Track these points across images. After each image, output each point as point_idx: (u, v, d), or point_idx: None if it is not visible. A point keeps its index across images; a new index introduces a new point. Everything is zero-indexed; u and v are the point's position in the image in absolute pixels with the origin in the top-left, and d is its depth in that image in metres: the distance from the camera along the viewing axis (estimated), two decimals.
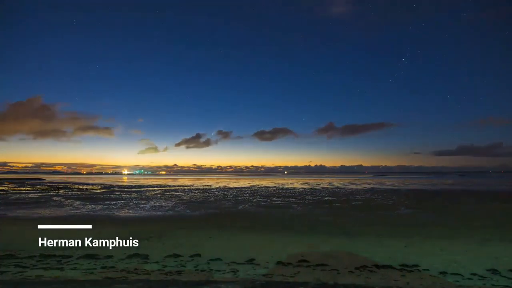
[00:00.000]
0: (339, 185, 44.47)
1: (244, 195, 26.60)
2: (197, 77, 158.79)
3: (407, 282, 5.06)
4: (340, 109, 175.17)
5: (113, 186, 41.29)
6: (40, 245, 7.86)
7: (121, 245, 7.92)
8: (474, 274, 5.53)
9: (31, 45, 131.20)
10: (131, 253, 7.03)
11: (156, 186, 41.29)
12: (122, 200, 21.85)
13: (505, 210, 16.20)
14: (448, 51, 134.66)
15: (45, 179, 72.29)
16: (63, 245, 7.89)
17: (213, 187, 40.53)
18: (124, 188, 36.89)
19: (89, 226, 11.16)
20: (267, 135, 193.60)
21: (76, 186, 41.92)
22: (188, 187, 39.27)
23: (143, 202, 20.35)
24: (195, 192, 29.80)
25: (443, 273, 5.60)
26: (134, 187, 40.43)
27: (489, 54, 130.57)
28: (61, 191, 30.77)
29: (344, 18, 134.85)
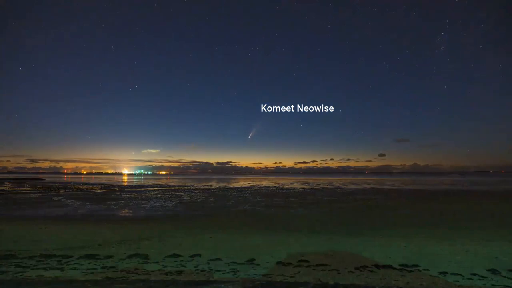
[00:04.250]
0: (340, 185, 44.47)
1: (244, 195, 26.59)
2: None
3: (407, 282, 5.06)
4: None
5: (113, 186, 41.31)
6: (40, 245, 7.88)
7: (121, 245, 7.95)
8: (474, 274, 5.53)
9: None
10: (131, 253, 7.03)
11: (156, 186, 41.31)
12: (122, 200, 21.87)
13: (505, 210, 16.18)
14: None
15: (45, 179, 72.36)
16: (63, 245, 7.91)
17: (213, 187, 40.54)
18: (124, 188, 36.90)
19: (89, 226, 11.19)
20: None
21: (76, 186, 41.95)
22: (188, 187, 39.28)
23: (143, 202, 20.36)
24: (195, 192, 29.80)
25: (443, 273, 5.60)
26: (134, 187, 40.45)
27: None
28: (61, 191, 30.79)
29: None
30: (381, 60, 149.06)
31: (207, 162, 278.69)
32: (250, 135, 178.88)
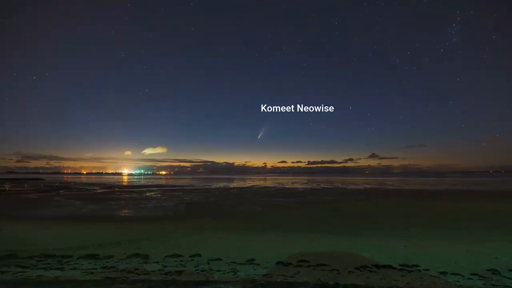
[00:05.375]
0: (340, 186, 44.46)
1: (245, 195, 26.60)
2: None
3: (407, 282, 5.06)
4: None
5: (113, 186, 41.30)
6: (40, 245, 7.88)
7: (121, 245, 7.95)
8: (474, 274, 5.52)
9: None
10: (131, 253, 7.03)
11: (157, 186, 41.30)
12: (123, 200, 21.86)
13: (505, 210, 16.17)
14: None
15: (45, 179, 72.35)
16: (63, 245, 7.91)
17: (213, 187, 40.54)
18: (125, 188, 36.89)
19: (89, 226, 11.19)
20: None
21: (76, 186, 41.95)
22: (189, 188, 39.28)
23: (143, 202, 20.35)
24: (195, 193, 29.80)
25: (443, 273, 5.60)
26: (135, 187, 40.44)
27: None
28: (61, 191, 30.80)
29: None
30: (391, 55, 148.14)
31: (223, 162, 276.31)
32: (259, 135, 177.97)
